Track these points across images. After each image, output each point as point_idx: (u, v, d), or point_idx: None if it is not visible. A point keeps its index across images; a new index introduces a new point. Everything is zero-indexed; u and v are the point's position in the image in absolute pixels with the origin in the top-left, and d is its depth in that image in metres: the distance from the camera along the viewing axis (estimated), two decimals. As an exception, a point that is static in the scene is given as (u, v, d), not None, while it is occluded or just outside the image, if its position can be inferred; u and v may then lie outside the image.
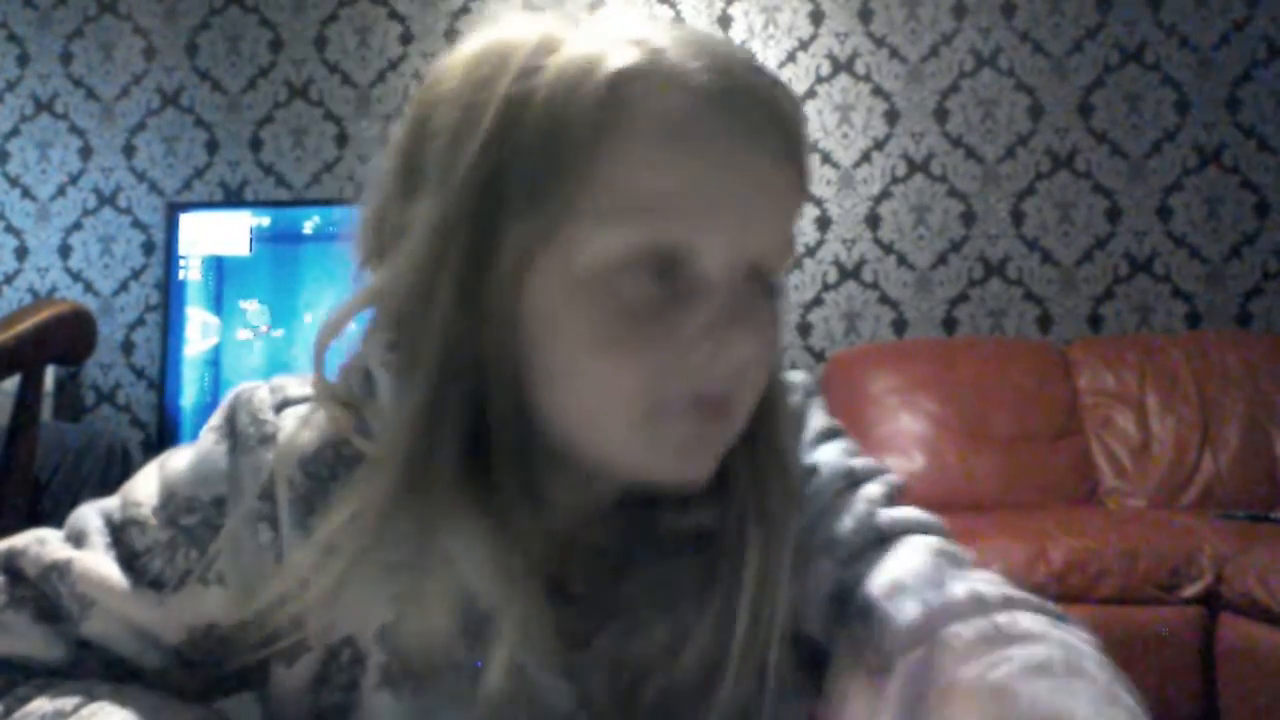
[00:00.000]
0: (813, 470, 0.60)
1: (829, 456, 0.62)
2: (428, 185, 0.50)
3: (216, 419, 0.57)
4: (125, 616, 0.54)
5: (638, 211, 0.47)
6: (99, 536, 0.55)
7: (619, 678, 0.52)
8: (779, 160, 0.50)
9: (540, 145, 0.47)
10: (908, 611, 0.50)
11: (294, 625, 0.52)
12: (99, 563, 0.54)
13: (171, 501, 0.55)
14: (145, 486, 0.57)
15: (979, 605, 0.51)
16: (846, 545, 0.56)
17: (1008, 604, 0.51)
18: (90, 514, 0.57)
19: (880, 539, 0.56)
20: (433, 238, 0.49)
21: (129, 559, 0.54)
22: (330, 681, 0.55)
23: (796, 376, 0.64)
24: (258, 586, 0.52)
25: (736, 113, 0.48)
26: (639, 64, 0.48)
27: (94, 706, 0.50)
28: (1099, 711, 0.41)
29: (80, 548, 0.55)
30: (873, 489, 0.60)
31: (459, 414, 0.49)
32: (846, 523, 0.57)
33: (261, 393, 0.56)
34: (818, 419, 0.64)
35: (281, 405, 0.56)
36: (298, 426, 0.54)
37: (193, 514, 0.54)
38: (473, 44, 0.52)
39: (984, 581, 0.54)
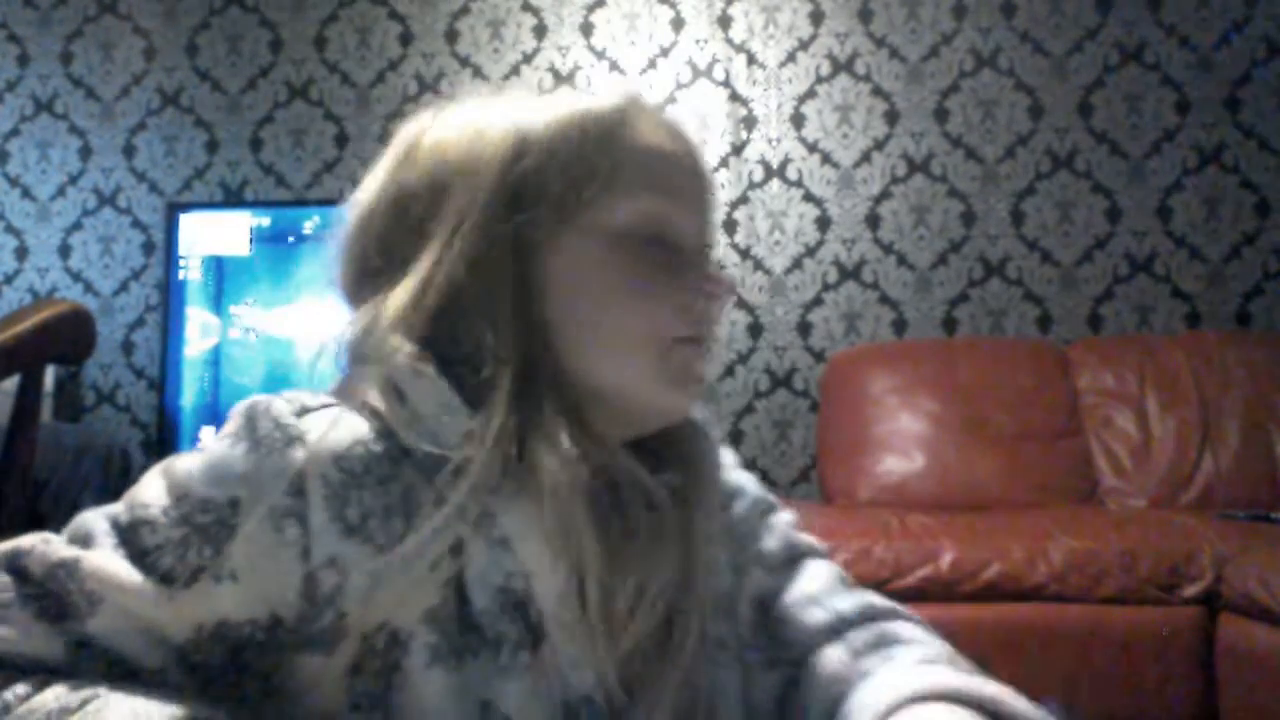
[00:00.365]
0: (739, 490, 0.74)
1: (747, 482, 0.76)
2: (445, 210, 0.62)
3: (232, 426, 0.58)
4: (133, 613, 0.54)
5: (651, 188, 0.63)
6: (106, 538, 0.56)
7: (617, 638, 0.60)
8: (707, 174, 0.69)
9: (568, 151, 0.63)
10: (816, 617, 0.66)
11: (338, 615, 0.55)
12: (108, 559, 0.55)
13: (185, 501, 0.56)
14: (151, 490, 0.58)
15: (869, 613, 0.66)
16: (771, 558, 0.70)
17: (892, 614, 0.67)
18: (94, 518, 0.58)
19: (794, 557, 0.71)
20: (475, 246, 0.61)
21: (139, 555, 0.55)
22: (365, 668, 0.57)
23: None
24: (277, 582, 0.55)
25: (685, 137, 0.68)
26: (632, 100, 0.68)
27: (99, 703, 0.51)
28: (987, 683, 0.54)
29: (87, 548, 0.56)
30: (786, 515, 0.75)
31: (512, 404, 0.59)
32: (770, 541, 0.72)
33: (279, 402, 0.58)
34: (722, 445, 0.77)
35: (301, 412, 0.58)
36: (327, 427, 0.57)
37: (208, 513, 0.55)
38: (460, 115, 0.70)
39: (873, 596, 0.69)
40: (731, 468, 0.76)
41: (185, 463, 0.58)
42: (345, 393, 0.60)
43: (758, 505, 0.74)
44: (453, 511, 0.56)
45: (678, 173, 0.66)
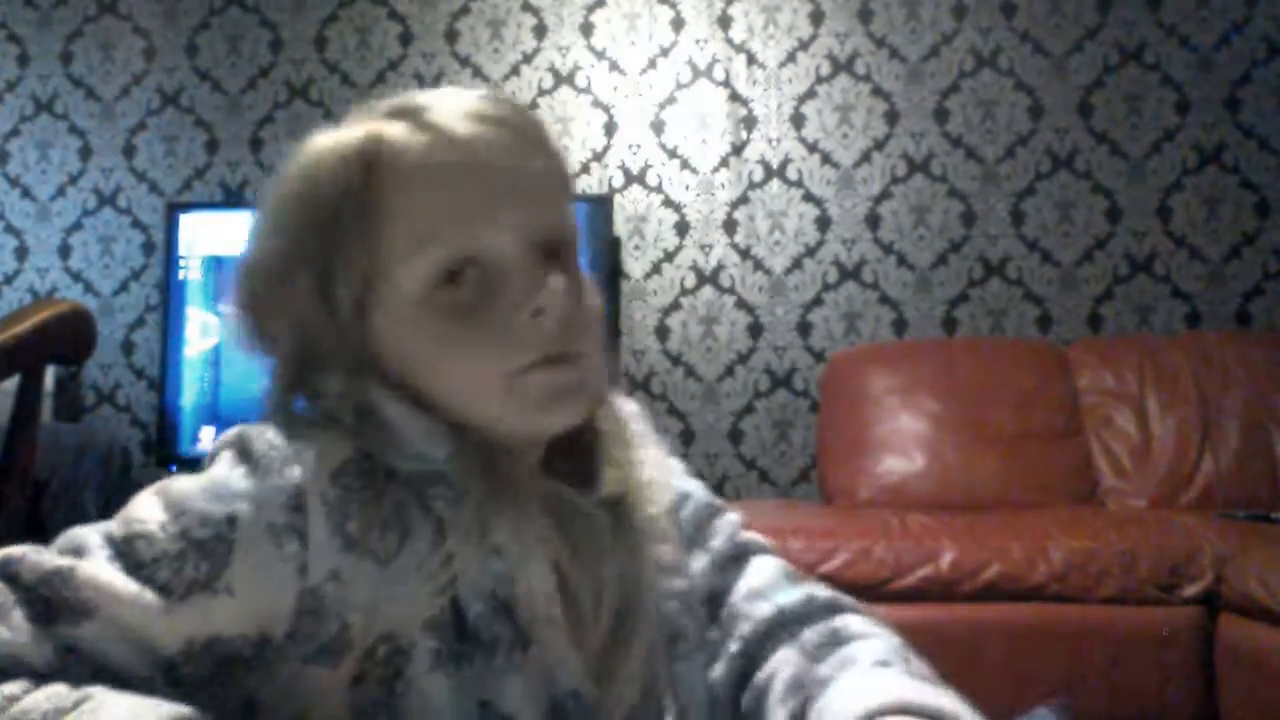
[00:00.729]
0: (686, 495, 0.76)
1: (694, 488, 0.78)
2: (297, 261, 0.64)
3: (225, 452, 0.60)
4: (125, 623, 0.55)
5: (425, 240, 0.61)
6: (100, 550, 0.57)
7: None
8: (524, 160, 0.64)
9: (345, 220, 0.62)
10: (763, 610, 0.70)
11: (341, 627, 0.57)
12: (103, 569, 0.55)
13: (183, 516, 0.57)
14: (147, 508, 0.58)
15: (813, 605, 0.70)
16: (721, 555, 0.74)
17: (836, 607, 0.70)
18: (85, 532, 0.58)
19: (740, 554, 0.74)
20: (320, 303, 0.63)
21: (135, 568, 0.56)
22: (368, 677, 0.58)
23: (630, 404, 0.79)
24: (272, 598, 0.56)
25: (479, 141, 0.63)
26: (387, 131, 0.63)
27: (93, 703, 0.51)
28: (941, 693, 0.57)
29: (80, 559, 0.56)
30: (732, 516, 0.77)
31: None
32: (718, 541, 0.75)
33: (268, 429, 0.61)
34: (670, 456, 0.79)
35: (293, 436, 0.60)
36: (320, 447, 0.59)
37: (206, 528, 0.56)
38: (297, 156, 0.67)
39: (815, 588, 0.72)
40: (679, 473, 0.78)
41: (182, 483, 0.59)
42: (312, 422, 0.62)
43: (705, 509, 0.76)
44: (451, 524, 0.59)
45: (461, 188, 0.62)
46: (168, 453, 2.85)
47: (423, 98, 0.66)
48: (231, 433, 0.61)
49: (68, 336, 1.34)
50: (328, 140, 0.65)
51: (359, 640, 0.58)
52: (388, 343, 0.63)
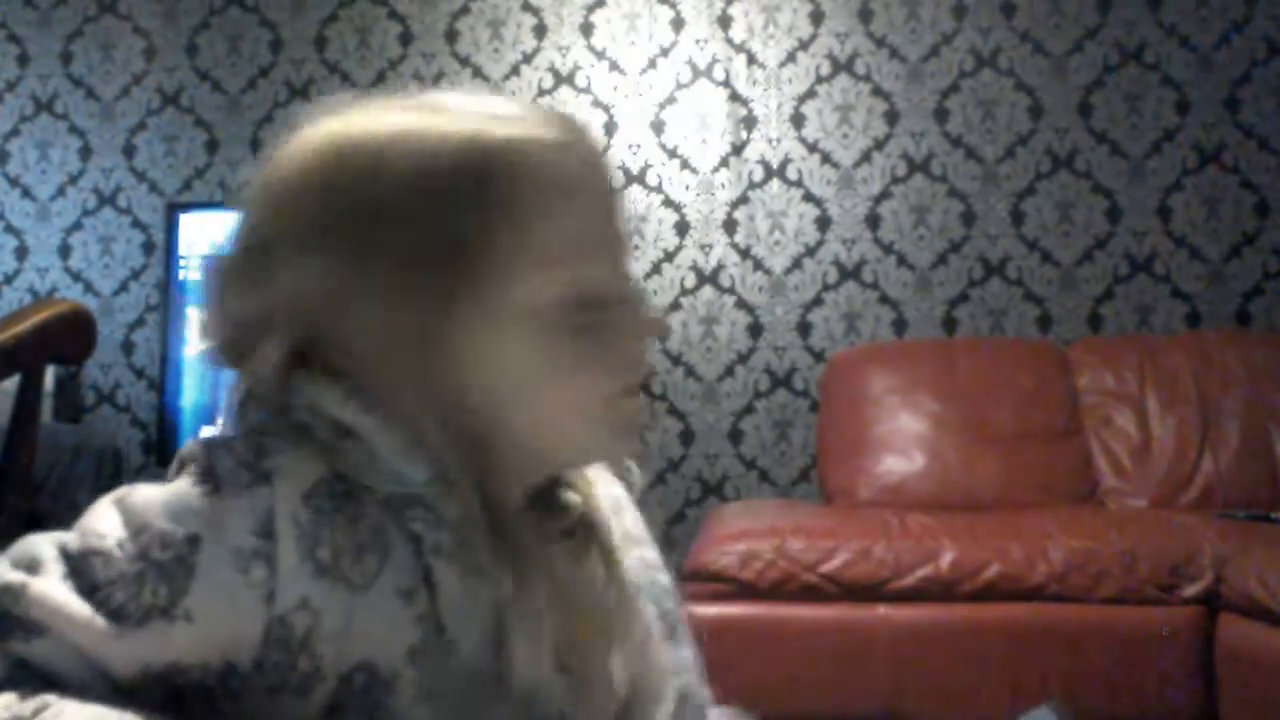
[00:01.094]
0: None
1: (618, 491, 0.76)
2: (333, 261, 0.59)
3: (191, 466, 0.57)
4: (77, 645, 0.52)
5: (565, 261, 0.60)
6: (54, 565, 0.53)
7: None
8: (622, 201, 0.65)
9: (464, 220, 0.59)
10: None
11: (312, 658, 0.54)
12: (55, 589, 0.52)
13: (143, 534, 0.54)
14: (105, 520, 0.55)
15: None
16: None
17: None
18: (41, 543, 0.55)
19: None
20: (391, 307, 0.59)
21: (89, 590, 0.53)
22: (345, 708, 0.55)
23: None
24: (235, 626, 0.53)
25: (599, 168, 0.63)
26: (521, 140, 0.60)
27: (51, 712, 0.49)
28: None
29: (33, 574, 0.53)
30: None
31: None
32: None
33: (236, 443, 0.57)
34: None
35: (261, 453, 0.57)
36: (292, 465, 0.56)
37: (167, 549, 0.53)
38: (323, 141, 0.64)
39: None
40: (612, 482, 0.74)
41: (143, 495, 0.56)
42: (280, 436, 0.59)
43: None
44: (432, 547, 0.57)
45: (596, 219, 0.62)
46: (168, 453, 2.85)
47: (510, 106, 0.64)
48: (195, 445, 0.58)
49: (68, 336, 1.34)
50: (428, 140, 0.61)
51: (331, 670, 0.55)
52: (472, 363, 0.59)
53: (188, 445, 0.58)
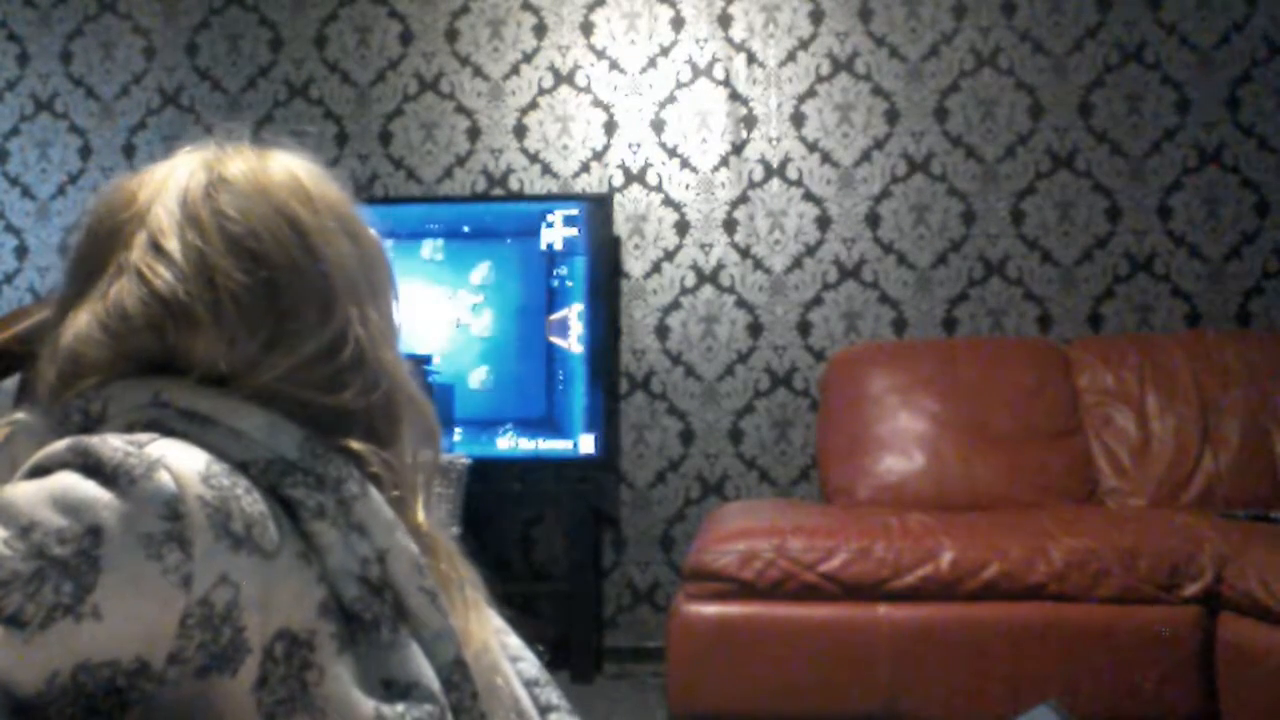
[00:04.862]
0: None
1: None
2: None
3: (60, 464, 0.54)
4: None
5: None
6: None
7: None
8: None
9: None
10: None
11: (235, 630, 0.54)
12: None
13: (34, 530, 0.50)
14: None
15: None
16: None
17: None
18: None
19: None
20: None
21: None
22: (270, 678, 0.55)
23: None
24: (150, 617, 0.51)
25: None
26: None
27: None
28: None
29: None
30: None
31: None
32: None
33: (111, 436, 0.56)
34: None
35: (138, 444, 0.55)
36: (176, 451, 0.56)
37: (65, 544, 0.50)
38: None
39: None
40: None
41: (20, 495, 0.52)
42: (169, 420, 0.59)
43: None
44: (311, 510, 0.59)
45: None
46: (168, 452, 2.85)
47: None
48: (60, 447, 0.55)
49: (67, 336, 1.33)
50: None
51: (256, 641, 0.54)
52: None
53: (51, 449, 0.55)
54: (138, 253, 0.64)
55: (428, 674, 0.60)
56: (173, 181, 0.70)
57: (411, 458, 0.68)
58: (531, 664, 0.76)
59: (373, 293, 0.70)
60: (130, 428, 0.58)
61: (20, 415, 0.64)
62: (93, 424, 0.60)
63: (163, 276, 0.63)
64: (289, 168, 0.71)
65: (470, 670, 0.62)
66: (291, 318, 0.64)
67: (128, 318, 0.62)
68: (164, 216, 0.66)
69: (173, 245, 0.64)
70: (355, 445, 0.64)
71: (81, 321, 0.64)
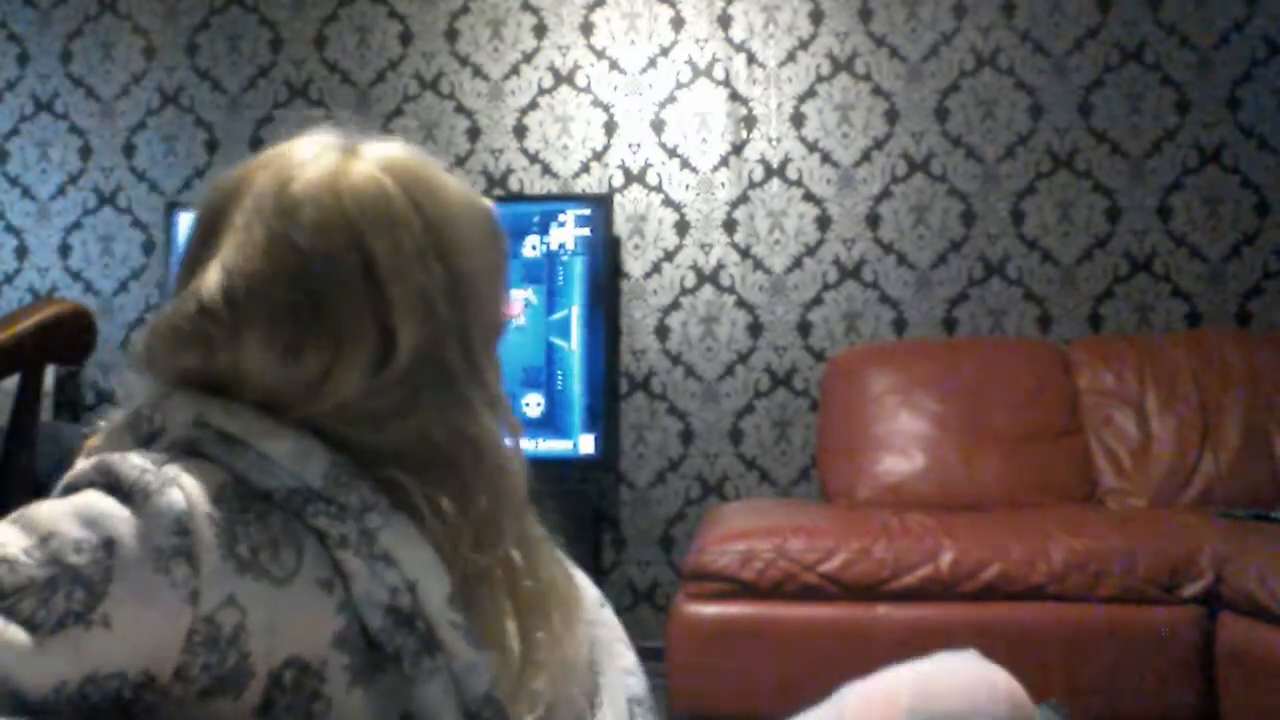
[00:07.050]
0: None
1: None
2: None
3: (86, 483, 0.56)
4: None
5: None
6: None
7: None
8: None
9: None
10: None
11: (241, 655, 0.54)
12: None
13: (52, 540, 0.52)
14: (3, 533, 0.53)
15: None
16: None
17: None
18: None
19: None
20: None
21: None
22: (276, 705, 0.55)
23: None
24: (157, 630, 0.52)
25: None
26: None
27: None
28: None
29: None
30: None
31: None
32: None
33: (132, 455, 0.57)
34: None
35: (159, 463, 0.57)
36: (194, 471, 0.57)
37: (81, 553, 0.52)
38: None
39: None
40: None
41: (45, 507, 0.54)
42: (170, 451, 0.59)
43: None
44: (336, 538, 0.58)
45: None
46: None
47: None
48: (87, 466, 0.57)
49: (68, 336, 1.34)
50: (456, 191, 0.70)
51: (261, 666, 0.55)
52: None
53: (79, 468, 0.57)
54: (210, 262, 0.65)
55: (448, 712, 0.58)
56: (257, 186, 0.66)
57: (469, 498, 0.65)
58: (639, 682, 0.75)
59: (460, 321, 0.65)
60: (173, 446, 0.60)
61: (116, 417, 0.66)
62: (152, 437, 0.62)
63: (211, 291, 0.63)
64: (384, 184, 0.65)
65: (503, 706, 0.60)
66: (347, 351, 0.62)
67: (178, 329, 0.63)
68: (240, 228, 0.64)
69: (234, 261, 0.63)
70: (398, 476, 0.62)
71: (164, 316, 0.65)
